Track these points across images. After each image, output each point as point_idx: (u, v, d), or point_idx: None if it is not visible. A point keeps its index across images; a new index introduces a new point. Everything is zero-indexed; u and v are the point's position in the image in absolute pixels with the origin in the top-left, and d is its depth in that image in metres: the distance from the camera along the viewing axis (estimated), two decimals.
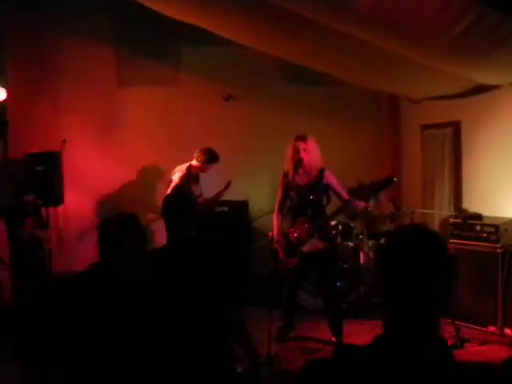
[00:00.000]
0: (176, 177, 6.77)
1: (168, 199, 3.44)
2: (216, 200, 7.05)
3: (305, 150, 5.37)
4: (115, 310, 2.79)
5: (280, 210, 5.63)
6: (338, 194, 5.46)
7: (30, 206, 6.19)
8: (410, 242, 1.76)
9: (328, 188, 5.44)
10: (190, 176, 6.82)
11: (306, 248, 5.36)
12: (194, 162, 6.84)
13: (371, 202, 5.67)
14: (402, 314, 1.71)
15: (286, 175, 5.55)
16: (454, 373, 1.68)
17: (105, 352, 2.77)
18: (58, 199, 6.62)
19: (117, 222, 3.10)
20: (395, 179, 4.75)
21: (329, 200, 5.50)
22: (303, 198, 5.40)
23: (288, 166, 5.48)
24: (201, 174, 6.95)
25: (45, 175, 6.48)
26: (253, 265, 7.29)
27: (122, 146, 7.45)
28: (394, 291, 1.72)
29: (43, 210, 6.55)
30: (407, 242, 1.76)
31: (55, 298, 3.23)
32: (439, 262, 1.75)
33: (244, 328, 3.18)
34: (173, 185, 6.73)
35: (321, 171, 5.42)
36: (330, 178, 5.46)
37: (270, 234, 5.62)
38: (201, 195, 6.97)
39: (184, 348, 2.92)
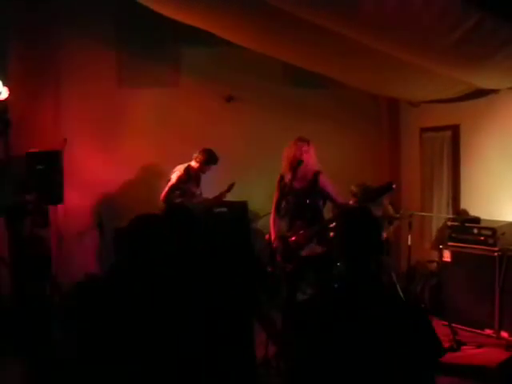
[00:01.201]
0: (174, 176, 6.80)
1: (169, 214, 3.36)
2: (217, 201, 7.07)
3: (307, 152, 5.39)
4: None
5: (277, 212, 5.63)
6: (332, 199, 5.44)
7: (29, 205, 6.20)
8: (354, 217, 2.58)
9: (323, 192, 5.44)
10: (189, 176, 6.85)
11: (304, 252, 5.37)
12: (193, 163, 6.87)
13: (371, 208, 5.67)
14: (352, 264, 2.41)
15: (282, 178, 5.55)
16: (383, 296, 2.38)
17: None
18: (58, 198, 6.63)
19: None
20: (394, 186, 4.76)
21: (325, 203, 5.51)
22: (300, 201, 5.40)
23: (285, 167, 5.48)
24: (202, 174, 6.98)
25: (45, 174, 6.49)
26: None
27: (122, 146, 7.47)
28: (347, 250, 2.42)
29: (44, 208, 6.57)
30: (352, 218, 2.56)
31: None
32: (373, 226, 2.51)
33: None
34: (169, 184, 6.77)
35: (315, 175, 5.41)
36: (325, 181, 5.44)
37: (267, 236, 5.63)
38: (200, 195, 7.01)
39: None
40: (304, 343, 2.29)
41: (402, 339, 2.19)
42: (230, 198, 7.24)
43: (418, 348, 2.21)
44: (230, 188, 7.00)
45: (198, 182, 7.00)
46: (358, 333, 2.18)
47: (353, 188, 6.53)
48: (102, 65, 7.56)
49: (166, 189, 6.74)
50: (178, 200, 6.75)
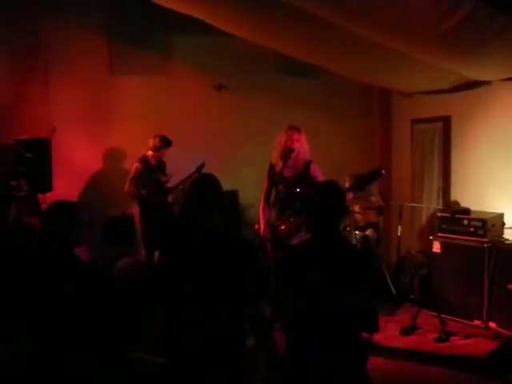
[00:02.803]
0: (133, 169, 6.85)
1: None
2: (188, 182, 6.95)
3: (298, 140, 5.39)
4: None
5: (266, 202, 5.62)
6: None
7: (15, 191, 6.14)
8: (324, 187, 3.34)
9: (314, 181, 5.43)
10: (147, 166, 6.85)
11: (294, 241, 5.35)
12: (148, 152, 6.89)
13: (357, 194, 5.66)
14: (323, 221, 3.15)
15: (273, 167, 5.54)
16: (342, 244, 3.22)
17: None
18: (46, 186, 6.60)
19: None
20: (383, 171, 4.75)
21: None
22: (290, 190, 5.39)
23: (276, 156, 5.47)
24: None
25: (34, 162, 6.45)
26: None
27: (111, 134, 7.42)
28: (317, 216, 3.18)
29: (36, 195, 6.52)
30: (324, 188, 3.33)
31: None
32: (338, 195, 3.22)
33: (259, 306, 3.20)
34: (129, 176, 6.80)
35: (307, 164, 5.41)
36: (316, 171, 5.45)
37: (257, 226, 5.61)
38: (167, 182, 6.96)
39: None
40: (288, 271, 3.21)
41: (352, 273, 3.03)
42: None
43: (363, 279, 3.06)
44: (199, 168, 6.81)
45: (162, 170, 6.98)
46: (323, 267, 3.04)
47: (346, 178, 6.51)
48: (91, 53, 7.50)
49: (127, 182, 6.74)
50: (143, 191, 6.73)
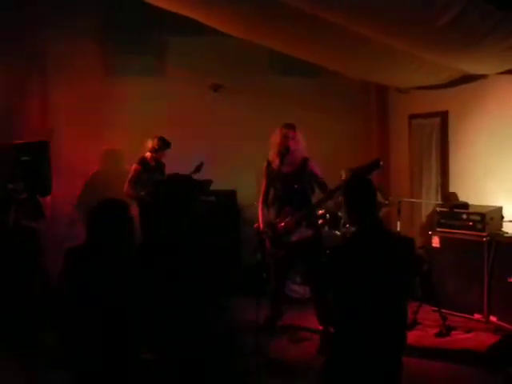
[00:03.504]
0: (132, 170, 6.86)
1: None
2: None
3: (293, 138, 5.39)
4: None
5: (265, 200, 5.63)
6: (321, 185, 5.45)
7: (13, 194, 6.15)
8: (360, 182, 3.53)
9: (311, 178, 5.45)
10: (146, 167, 6.85)
11: (294, 237, 5.36)
12: (147, 153, 6.87)
13: None
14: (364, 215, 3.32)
15: (270, 164, 5.55)
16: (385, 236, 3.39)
17: None
18: (45, 189, 6.59)
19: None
20: (381, 163, 4.75)
21: (313, 188, 5.50)
22: (288, 187, 5.40)
23: (273, 153, 5.48)
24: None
25: (32, 165, 6.45)
26: (241, 254, 7.32)
27: (109, 136, 7.42)
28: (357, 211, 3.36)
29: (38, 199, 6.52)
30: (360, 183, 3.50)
31: None
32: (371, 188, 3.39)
33: (230, 316, 3.24)
34: (128, 178, 6.81)
35: (304, 160, 5.43)
36: (314, 167, 5.46)
37: (256, 224, 5.61)
38: None
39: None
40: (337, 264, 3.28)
41: (396, 261, 3.17)
42: (217, 186, 7.21)
43: (405, 265, 3.24)
44: (198, 168, 6.75)
45: (161, 171, 6.97)
46: (370, 258, 3.17)
47: (342, 173, 6.53)
48: (88, 54, 7.51)
49: (126, 183, 6.74)
50: (142, 192, 6.73)
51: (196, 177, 6.70)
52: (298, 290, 6.76)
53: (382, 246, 3.25)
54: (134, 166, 6.83)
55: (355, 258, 3.20)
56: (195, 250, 3.13)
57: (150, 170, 6.85)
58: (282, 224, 5.36)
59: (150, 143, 6.86)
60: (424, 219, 7.42)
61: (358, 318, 3.16)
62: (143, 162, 6.86)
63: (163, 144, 6.86)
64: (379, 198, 6.92)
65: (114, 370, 2.99)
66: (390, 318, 3.17)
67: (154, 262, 3.20)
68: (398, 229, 6.67)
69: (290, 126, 5.43)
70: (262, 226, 5.53)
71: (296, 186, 5.37)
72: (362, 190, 3.38)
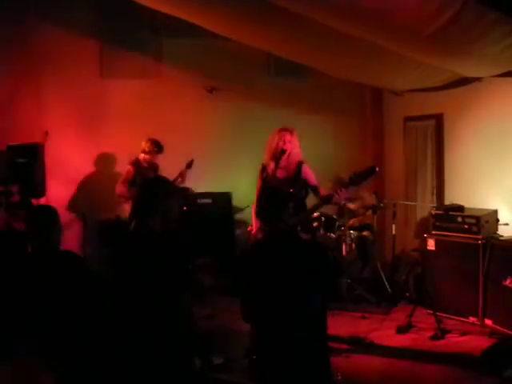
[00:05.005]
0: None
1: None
2: (178, 181, 6.93)
3: (290, 142, 5.36)
4: None
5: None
6: (314, 190, 5.42)
7: (4, 197, 6.12)
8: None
9: (305, 182, 5.41)
10: (140, 169, 6.80)
11: None
12: (142, 155, 6.84)
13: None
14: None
15: (264, 168, 5.52)
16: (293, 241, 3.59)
17: None
18: (39, 191, 6.58)
19: None
20: (377, 169, 4.74)
21: (307, 193, 5.47)
22: (283, 191, 5.37)
23: (267, 157, 5.45)
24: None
25: (27, 167, 6.43)
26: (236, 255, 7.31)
27: (104, 138, 7.43)
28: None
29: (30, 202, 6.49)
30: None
31: None
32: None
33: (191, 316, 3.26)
34: (120, 179, 6.78)
35: (299, 165, 5.39)
36: (308, 172, 5.43)
37: (249, 227, 5.58)
38: None
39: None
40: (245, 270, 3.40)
41: (302, 267, 3.24)
42: (212, 188, 7.20)
43: (315, 272, 3.29)
44: (188, 165, 6.81)
45: (155, 172, 6.94)
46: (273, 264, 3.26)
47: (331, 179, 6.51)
48: (82, 57, 7.52)
49: (118, 183, 6.72)
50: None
51: (189, 173, 6.74)
52: None
53: (287, 249, 3.37)
54: (128, 167, 6.81)
55: (261, 261, 3.35)
56: (162, 248, 3.14)
57: (142, 171, 6.82)
58: None
59: (143, 144, 6.83)
60: (419, 222, 7.41)
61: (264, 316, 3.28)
62: (137, 164, 6.83)
63: (155, 147, 6.81)
64: (374, 200, 6.94)
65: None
66: (298, 319, 3.23)
67: (120, 260, 3.25)
68: (394, 231, 6.68)
69: (288, 130, 5.41)
70: (254, 228, 5.50)
71: (291, 191, 5.34)
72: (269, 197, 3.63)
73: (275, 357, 3.17)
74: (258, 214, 3.70)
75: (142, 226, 3.20)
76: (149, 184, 3.46)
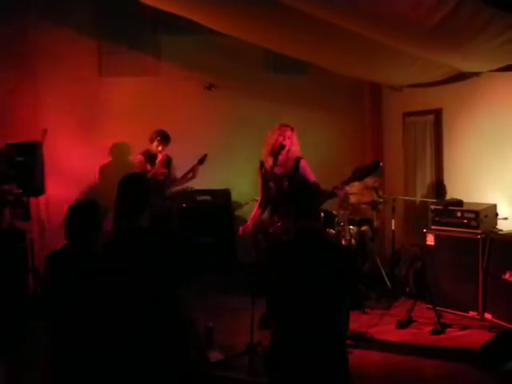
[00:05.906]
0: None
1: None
2: (189, 176, 6.96)
3: (289, 138, 5.38)
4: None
5: (262, 201, 5.59)
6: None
7: (7, 195, 6.11)
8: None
9: (303, 178, 5.41)
10: (151, 160, 6.85)
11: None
12: (155, 145, 6.90)
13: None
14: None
15: (263, 165, 5.52)
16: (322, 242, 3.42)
17: None
18: (38, 190, 6.57)
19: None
20: (381, 164, 4.75)
21: None
22: (282, 187, 5.38)
23: (266, 152, 5.45)
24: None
25: (25, 165, 6.42)
26: (236, 253, 7.32)
27: (103, 136, 7.43)
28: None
29: (25, 200, 6.49)
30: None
31: None
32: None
33: (188, 312, 3.24)
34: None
35: (297, 161, 5.40)
36: (306, 168, 5.43)
37: (241, 228, 5.59)
38: (168, 177, 6.95)
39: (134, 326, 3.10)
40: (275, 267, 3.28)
41: (331, 267, 3.14)
42: (212, 185, 7.20)
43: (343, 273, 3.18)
44: (201, 160, 6.81)
45: (168, 165, 7.00)
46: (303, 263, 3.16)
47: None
48: (80, 54, 7.52)
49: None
50: None
51: (200, 169, 6.78)
52: None
53: (317, 248, 3.26)
54: (138, 156, 6.87)
55: (290, 260, 3.26)
56: (157, 245, 3.15)
57: (153, 160, 6.83)
58: (279, 224, 5.31)
59: (156, 137, 6.87)
60: (418, 217, 7.41)
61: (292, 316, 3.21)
62: (147, 155, 6.86)
63: (158, 135, 6.87)
64: (374, 196, 6.95)
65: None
66: (325, 318, 3.16)
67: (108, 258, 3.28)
68: (393, 227, 6.68)
69: (288, 126, 5.43)
70: (248, 223, 5.50)
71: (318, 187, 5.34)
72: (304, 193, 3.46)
73: (299, 355, 3.13)
74: (283, 211, 3.57)
75: (133, 224, 3.19)
76: (133, 181, 3.44)
